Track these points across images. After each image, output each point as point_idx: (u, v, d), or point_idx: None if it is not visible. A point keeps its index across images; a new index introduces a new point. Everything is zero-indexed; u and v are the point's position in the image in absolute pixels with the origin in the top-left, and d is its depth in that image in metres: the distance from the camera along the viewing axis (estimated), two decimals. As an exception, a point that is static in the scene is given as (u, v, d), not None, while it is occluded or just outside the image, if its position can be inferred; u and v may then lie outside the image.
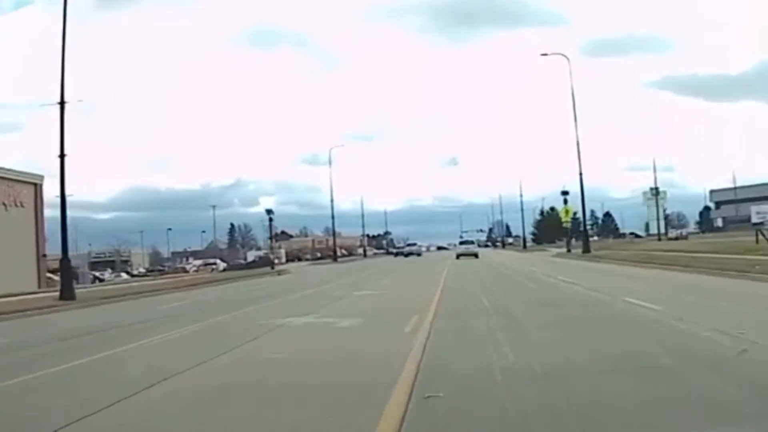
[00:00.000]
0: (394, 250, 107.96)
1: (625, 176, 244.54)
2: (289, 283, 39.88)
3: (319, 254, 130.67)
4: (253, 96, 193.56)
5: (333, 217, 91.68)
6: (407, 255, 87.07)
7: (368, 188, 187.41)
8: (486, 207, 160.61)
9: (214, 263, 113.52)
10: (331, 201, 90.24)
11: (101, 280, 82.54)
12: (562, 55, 55.46)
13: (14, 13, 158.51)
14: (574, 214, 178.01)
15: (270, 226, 64.10)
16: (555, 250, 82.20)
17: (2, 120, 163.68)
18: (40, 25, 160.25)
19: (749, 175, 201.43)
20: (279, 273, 58.10)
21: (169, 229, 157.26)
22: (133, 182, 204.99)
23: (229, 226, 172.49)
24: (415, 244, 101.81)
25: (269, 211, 64.76)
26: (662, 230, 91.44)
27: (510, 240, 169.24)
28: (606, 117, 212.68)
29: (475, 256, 65.56)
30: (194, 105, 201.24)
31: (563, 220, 66.05)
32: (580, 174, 55.36)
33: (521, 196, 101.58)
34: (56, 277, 40.71)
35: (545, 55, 55.23)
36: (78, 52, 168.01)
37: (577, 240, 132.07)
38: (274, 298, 25.26)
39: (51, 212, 46.86)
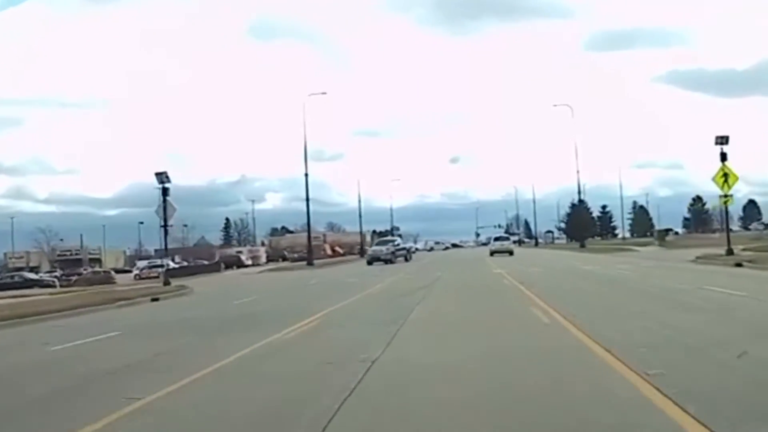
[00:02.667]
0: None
1: (632, 173, 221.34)
2: None
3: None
4: (256, 91, 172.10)
5: (308, 203, 59.13)
6: (371, 262, 49.72)
7: (375, 185, 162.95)
8: (497, 204, 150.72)
9: (161, 265, 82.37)
10: (306, 177, 57.80)
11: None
12: None
13: (11, 10, 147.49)
14: (603, 207, 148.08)
15: (164, 202, 32.03)
16: (648, 249, 50.20)
17: (1, 115, 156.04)
18: (35, 21, 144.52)
19: (759, 173, 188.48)
20: (154, 299, 26.33)
21: (141, 222, 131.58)
22: (138, 179, 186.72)
23: (225, 221, 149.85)
24: (391, 242, 57.11)
25: (162, 177, 32.82)
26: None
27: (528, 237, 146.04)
28: (610, 113, 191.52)
29: (510, 253, 55.44)
30: (198, 101, 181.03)
31: (724, 190, 32.44)
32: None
33: (578, 177, 68.97)
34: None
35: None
36: (79, 49, 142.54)
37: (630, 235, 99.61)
38: None
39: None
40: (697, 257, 32.00)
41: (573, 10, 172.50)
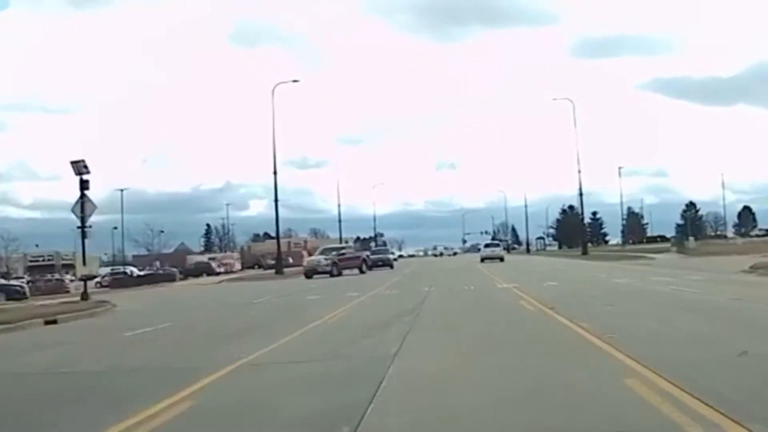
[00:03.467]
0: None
1: (617, 181, 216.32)
2: None
3: (290, 259, 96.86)
4: (239, 98, 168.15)
5: (277, 204, 51.05)
6: (310, 275, 41.29)
7: (359, 192, 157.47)
8: (482, 211, 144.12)
9: (124, 272, 75.49)
10: (275, 175, 50.01)
11: None
12: None
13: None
14: (594, 214, 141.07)
15: (82, 198, 24.48)
16: (667, 258, 42.98)
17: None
18: (17, 25, 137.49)
19: (745, 181, 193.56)
20: (50, 321, 19.17)
21: (115, 228, 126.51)
22: (122, 185, 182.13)
23: (205, 227, 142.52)
24: (337, 249, 47.18)
25: (79, 167, 25.54)
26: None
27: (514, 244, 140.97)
28: (596, 120, 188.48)
29: (501, 259, 55.11)
30: (183, 108, 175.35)
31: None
32: None
33: (579, 178, 61.04)
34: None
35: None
36: (62, 54, 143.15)
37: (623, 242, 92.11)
38: None
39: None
40: (753, 267, 24.95)
41: (557, 17, 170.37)
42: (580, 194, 60.40)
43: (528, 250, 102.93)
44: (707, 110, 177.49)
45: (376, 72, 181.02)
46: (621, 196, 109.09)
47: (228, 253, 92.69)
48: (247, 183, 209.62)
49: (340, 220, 76.42)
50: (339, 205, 75.74)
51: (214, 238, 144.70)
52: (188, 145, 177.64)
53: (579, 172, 59.40)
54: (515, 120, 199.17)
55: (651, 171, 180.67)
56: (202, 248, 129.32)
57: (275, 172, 48.08)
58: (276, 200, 48.66)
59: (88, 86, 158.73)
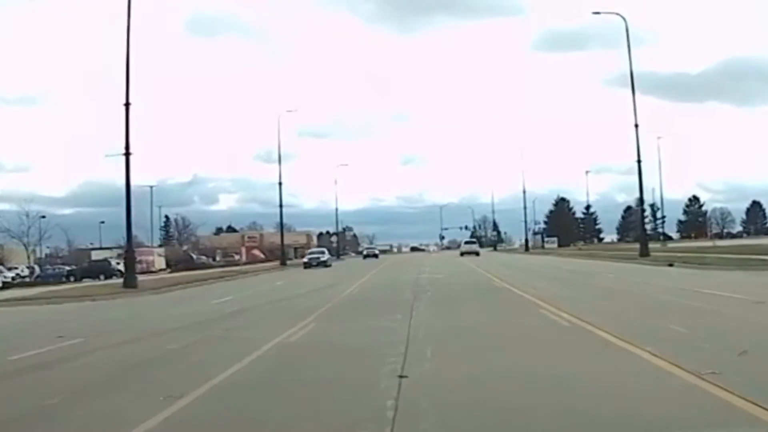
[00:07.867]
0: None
1: (587, 179, 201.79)
2: None
3: (236, 255, 76.65)
4: (201, 90, 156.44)
5: (128, 163, 27.60)
6: None
7: (329, 187, 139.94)
8: (454, 207, 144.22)
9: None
10: (126, 113, 27.13)
11: None
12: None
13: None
14: (588, 208, 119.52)
15: None
16: None
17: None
18: None
19: (717, 180, 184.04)
20: None
21: (43, 216, 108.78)
22: (91, 177, 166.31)
23: (164, 219, 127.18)
24: None
25: None
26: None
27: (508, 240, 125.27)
28: (563, 116, 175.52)
29: (477, 254, 60.05)
30: (148, 100, 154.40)
31: None
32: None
33: (636, 134, 35.72)
34: None
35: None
36: (27, 46, 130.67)
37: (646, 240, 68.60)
38: None
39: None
40: None
41: (523, 9, 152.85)
42: (638, 161, 36.72)
43: (527, 248, 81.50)
44: (678, 107, 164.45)
45: (339, 64, 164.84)
46: (662, 188, 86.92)
47: (146, 248, 69.95)
48: (214, 177, 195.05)
49: (281, 205, 54.71)
50: (280, 184, 53.87)
51: (173, 231, 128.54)
52: (155, 139, 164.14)
53: (636, 126, 36.27)
54: (482, 114, 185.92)
55: (621, 168, 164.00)
56: (159, 242, 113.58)
57: (127, 104, 25.83)
58: (127, 153, 26.26)
59: (49, 78, 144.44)
